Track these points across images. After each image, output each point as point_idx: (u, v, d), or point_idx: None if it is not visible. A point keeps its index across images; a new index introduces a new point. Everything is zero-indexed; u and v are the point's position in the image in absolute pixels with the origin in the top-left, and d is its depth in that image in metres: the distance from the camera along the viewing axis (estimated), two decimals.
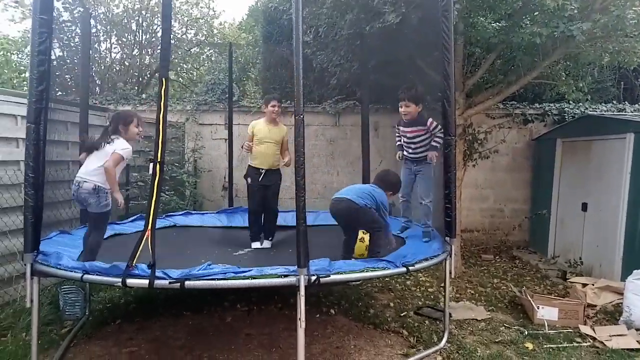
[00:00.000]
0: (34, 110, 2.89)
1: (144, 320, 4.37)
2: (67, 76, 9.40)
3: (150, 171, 2.74)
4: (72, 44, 9.16)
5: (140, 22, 10.08)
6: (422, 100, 4.42)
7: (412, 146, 4.50)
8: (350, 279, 3.27)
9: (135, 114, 3.99)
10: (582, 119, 6.84)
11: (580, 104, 7.66)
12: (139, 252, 2.77)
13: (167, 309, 4.62)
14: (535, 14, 5.04)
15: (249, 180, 5.07)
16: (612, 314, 4.57)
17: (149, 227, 2.71)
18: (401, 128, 4.58)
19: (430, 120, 4.38)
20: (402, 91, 4.40)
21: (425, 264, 3.56)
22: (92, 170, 3.60)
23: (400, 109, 4.41)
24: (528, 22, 5.08)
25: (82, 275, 2.88)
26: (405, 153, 4.61)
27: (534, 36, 4.84)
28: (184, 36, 11.29)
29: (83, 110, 4.56)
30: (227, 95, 7.70)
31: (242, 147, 5.23)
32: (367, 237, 3.99)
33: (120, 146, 3.63)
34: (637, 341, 3.97)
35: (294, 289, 2.90)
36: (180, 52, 11.01)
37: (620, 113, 7.46)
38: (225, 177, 7.88)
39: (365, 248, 3.99)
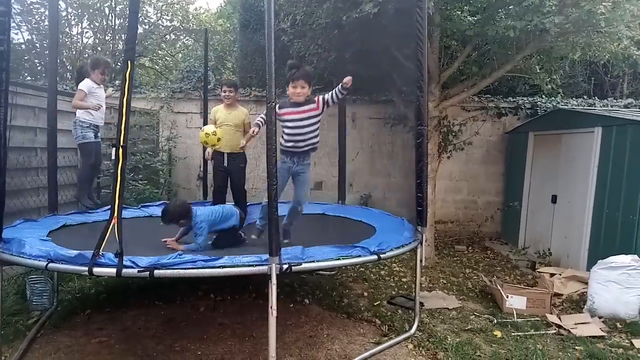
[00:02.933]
0: None
1: (114, 310, 4.30)
2: (36, 61, 9.10)
3: (113, 156, 2.67)
4: (42, 28, 8.86)
5: (113, 6, 9.80)
6: (312, 81, 3.86)
7: (302, 131, 3.75)
8: (323, 266, 3.28)
9: (103, 61, 4.59)
10: (553, 113, 6.99)
11: (553, 98, 7.83)
12: (105, 240, 2.71)
13: (138, 299, 4.55)
14: (510, 7, 5.10)
15: (213, 162, 5.20)
16: (577, 303, 4.73)
17: (115, 214, 2.65)
18: (286, 110, 3.78)
19: (318, 96, 3.80)
20: (294, 68, 3.75)
21: (396, 251, 3.59)
22: None
23: (292, 90, 3.72)
24: (503, 16, 5.14)
25: (47, 264, 2.80)
26: (286, 144, 3.82)
27: (508, 29, 4.91)
28: (159, 22, 11.03)
29: (51, 94, 4.41)
30: (202, 84, 7.58)
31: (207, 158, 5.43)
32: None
33: (81, 84, 4.36)
34: (600, 329, 4.11)
35: (266, 277, 2.89)
36: (154, 38, 10.76)
37: (590, 108, 7.65)
38: (200, 167, 7.79)
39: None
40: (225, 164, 5.12)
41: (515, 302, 4.52)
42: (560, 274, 5.14)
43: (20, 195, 4.56)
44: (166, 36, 11.24)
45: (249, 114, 7.35)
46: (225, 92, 5.25)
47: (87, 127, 4.33)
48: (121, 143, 2.65)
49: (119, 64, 10.15)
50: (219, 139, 4.44)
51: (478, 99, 7.80)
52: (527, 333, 4.04)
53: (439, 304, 4.68)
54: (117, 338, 3.77)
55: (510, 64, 5.82)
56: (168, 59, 11.99)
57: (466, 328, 4.13)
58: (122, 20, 10.02)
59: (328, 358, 3.54)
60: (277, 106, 3.65)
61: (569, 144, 5.95)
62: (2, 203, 2.90)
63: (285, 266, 2.90)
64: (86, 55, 9.87)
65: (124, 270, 2.69)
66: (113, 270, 2.70)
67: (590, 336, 3.97)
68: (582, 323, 4.18)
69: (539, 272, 5.51)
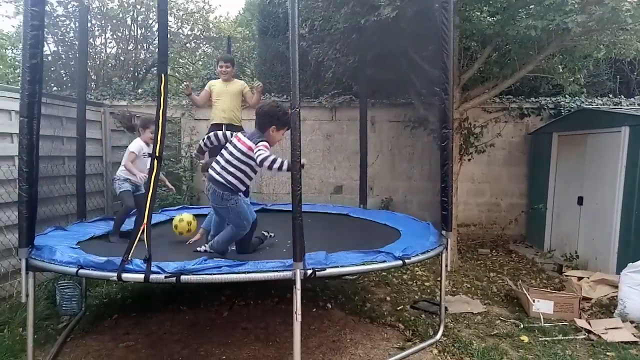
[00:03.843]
0: (26, 104, 2.87)
1: (140, 315, 4.37)
2: (62, 71, 9.35)
3: (148, 165, 2.74)
4: (67, 39, 9.11)
5: (136, 16, 10.01)
6: None
7: None
8: (347, 272, 3.28)
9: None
10: (578, 113, 6.84)
11: (577, 97, 7.67)
12: (134, 247, 2.77)
13: (163, 304, 4.62)
14: (530, 6, 5.03)
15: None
16: (607, 307, 4.60)
17: (145, 221, 2.70)
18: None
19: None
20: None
21: (421, 257, 3.56)
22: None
23: (280, 136, 3.60)
24: (523, 15, 5.07)
25: (77, 270, 2.87)
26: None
27: (529, 29, 4.84)
28: (179, 30, 11.23)
29: (80, 105, 4.53)
30: None
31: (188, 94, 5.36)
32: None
33: (131, 145, 4.33)
34: (633, 334, 3.99)
35: (290, 282, 2.90)
36: (175, 47, 10.95)
37: (616, 107, 7.47)
38: None
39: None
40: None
41: (542, 306, 4.43)
42: (588, 278, 5.02)
43: (49, 203, 4.69)
44: (187, 45, 11.42)
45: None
46: (222, 67, 5.34)
47: (124, 180, 4.31)
48: (157, 154, 2.71)
49: (141, 72, 10.37)
50: (188, 230, 4.14)
51: (499, 100, 7.69)
52: (555, 338, 3.96)
53: (463, 309, 4.62)
54: (143, 342, 3.83)
55: (532, 64, 5.73)
56: (189, 67, 12.17)
57: (492, 333, 4.07)
58: (143, 30, 10.24)
59: None
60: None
61: (595, 145, 5.81)
62: (35, 212, 2.99)
63: (309, 271, 2.91)
64: (109, 65, 10.10)
65: (152, 276, 2.75)
66: (141, 276, 2.76)
67: (622, 342, 3.86)
68: (613, 328, 4.06)
69: (566, 275, 5.39)
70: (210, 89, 5.39)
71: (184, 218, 4.07)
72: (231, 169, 3.41)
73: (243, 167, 3.42)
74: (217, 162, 3.49)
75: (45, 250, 3.07)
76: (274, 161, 3.19)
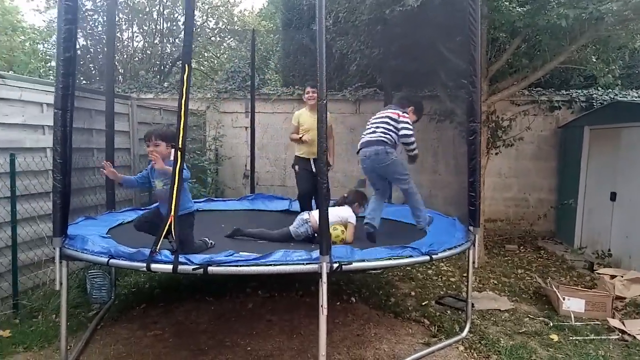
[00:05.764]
0: (60, 96, 2.93)
1: (168, 305, 4.45)
2: (90, 65, 9.55)
3: (172, 157, 2.76)
4: (95, 33, 9.29)
5: (162, 10, 10.13)
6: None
7: None
8: (373, 266, 3.25)
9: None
10: (611, 106, 6.61)
11: (610, 90, 7.41)
12: (162, 238, 2.80)
13: (190, 295, 4.69)
14: None
15: (297, 168, 5.22)
16: None
17: (172, 213, 2.73)
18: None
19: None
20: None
21: (448, 252, 3.51)
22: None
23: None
24: (554, 4, 4.90)
25: (108, 260, 2.93)
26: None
27: (560, 18, 4.68)
28: (205, 24, 11.31)
29: (109, 98, 4.60)
30: (247, 83, 7.70)
31: (301, 139, 5.23)
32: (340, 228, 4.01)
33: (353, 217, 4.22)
34: None
35: (316, 276, 2.89)
36: (201, 40, 11.04)
37: None
38: (246, 166, 7.92)
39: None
40: (313, 169, 5.15)
41: (573, 304, 4.32)
42: (622, 276, 4.86)
43: (79, 194, 4.79)
44: (212, 38, 11.49)
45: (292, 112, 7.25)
46: (308, 92, 5.26)
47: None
48: (179, 145, 2.73)
49: (167, 65, 10.50)
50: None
51: (528, 93, 7.50)
52: (586, 338, 3.85)
53: (490, 305, 4.55)
54: (170, 332, 3.90)
55: (563, 55, 5.54)
56: (213, 60, 12.27)
57: (520, 331, 3.99)
58: (169, 24, 10.36)
59: (376, 358, 3.52)
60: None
61: (629, 139, 5.61)
62: (68, 202, 3.06)
63: (335, 265, 2.90)
64: (136, 58, 10.25)
65: (180, 267, 2.78)
66: (169, 267, 2.79)
67: None
68: None
69: (597, 273, 5.23)
70: (298, 123, 5.29)
71: (337, 227, 4.03)
72: (384, 130, 4.06)
73: (392, 132, 4.06)
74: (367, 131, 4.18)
75: (77, 240, 3.14)
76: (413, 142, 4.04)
